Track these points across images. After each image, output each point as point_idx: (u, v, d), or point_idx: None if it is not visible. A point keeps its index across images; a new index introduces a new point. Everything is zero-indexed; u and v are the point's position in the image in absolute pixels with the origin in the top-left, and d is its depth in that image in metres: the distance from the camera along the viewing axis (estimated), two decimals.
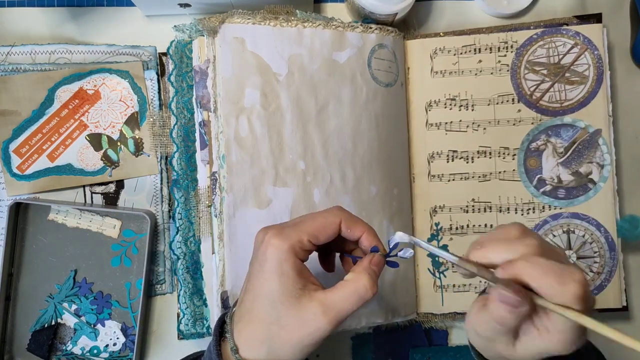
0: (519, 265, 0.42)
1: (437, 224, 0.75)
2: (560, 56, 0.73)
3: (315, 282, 0.51)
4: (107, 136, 0.75)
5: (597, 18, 0.75)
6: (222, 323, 0.54)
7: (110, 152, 0.75)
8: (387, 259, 0.52)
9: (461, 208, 0.74)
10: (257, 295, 0.50)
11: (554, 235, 0.73)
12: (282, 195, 0.66)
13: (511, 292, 0.42)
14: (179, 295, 0.72)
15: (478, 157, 0.74)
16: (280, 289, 0.48)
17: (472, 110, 0.74)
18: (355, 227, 0.52)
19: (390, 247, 0.52)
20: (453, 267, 0.47)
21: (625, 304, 0.73)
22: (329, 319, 0.48)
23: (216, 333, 0.53)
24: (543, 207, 0.73)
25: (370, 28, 0.70)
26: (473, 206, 0.74)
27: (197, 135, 0.70)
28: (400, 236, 0.50)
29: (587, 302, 0.42)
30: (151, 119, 0.74)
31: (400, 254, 0.51)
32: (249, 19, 0.65)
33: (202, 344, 0.75)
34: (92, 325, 0.74)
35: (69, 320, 0.74)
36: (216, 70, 0.66)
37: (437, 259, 0.74)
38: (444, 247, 0.74)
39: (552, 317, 0.43)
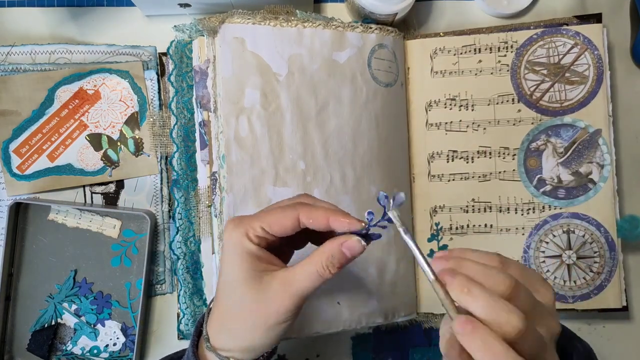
0: (476, 345, 0.40)
1: (437, 224, 0.75)
2: (560, 56, 0.73)
3: (279, 263, 0.50)
4: (107, 136, 0.75)
5: (597, 18, 0.75)
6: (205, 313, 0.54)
7: (110, 152, 0.75)
8: (366, 231, 0.49)
9: (461, 208, 0.74)
10: (220, 283, 0.50)
11: (554, 235, 0.73)
12: (282, 195, 0.65)
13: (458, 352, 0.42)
14: (179, 295, 0.72)
15: (478, 157, 0.74)
16: (237, 273, 0.48)
17: (472, 110, 0.74)
18: (317, 215, 0.49)
19: (368, 220, 0.48)
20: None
21: (625, 304, 0.73)
22: (288, 293, 0.47)
23: (197, 325, 0.54)
24: (543, 207, 0.73)
25: (370, 28, 0.70)
26: (473, 206, 0.74)
27: (197, 135, 0.70)
28: (402, 197, 0.48)
29: None
30: (151, 119, 0.74)
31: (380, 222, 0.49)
32: (249, 19, 0.65)
33: None
34: (92, 325, 0.74)
35: (69, 320, 0.74)
36: (216, 70, 0.66)
37: None
38: (444, 248, 0.74)
39: None
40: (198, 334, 0.54)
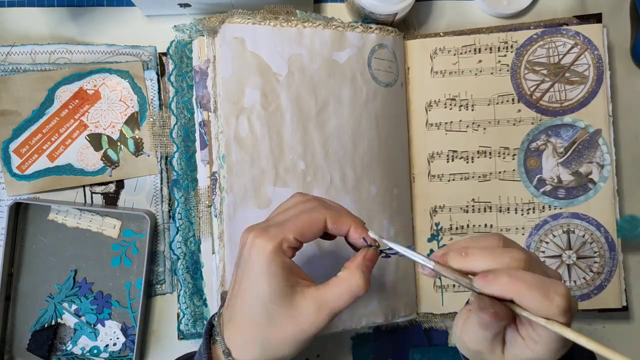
0: (503, 280, 0.42)
1: (437, 224, 0.75)
2: (560, 56, 0.73)
3: (306, 277, 0.51)
4: (107, 136, 0.75)
5: (597, 18, 0.75)
6: (211, 326, 0.53)
7: (110, 152, 0.75)
8: (385, 251, 0.52)
9: (461, 208, 0.74)
10: (247, 298, 0.50)
11: (554, 235, 0.73)
12: (282, 195, 0.65)
13: (489, 302, 0.43)
14: (179, 295, 0.72)
15: (478, 157, 0.74)
16: (270, 289, 0.48)
17: (472, 110, 0.74)
18: (341, 222, 0.51)
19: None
20: (422, 268, 0.46)
21: (625, 304, 0.73)
22: (323, 316, 0.48)
23: (206, 336, 0.53)
24: (543, 207, 0.73)
25: (370, 28, 0.70)
26: (473, 206, 0.74)
27: (197, 135, 0.70)
28: (371, 234, 0.51)
29: (571, 313, 0.42)
30: (151, 119, 0.74)
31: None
32: (249, 19, 0.65)
33: None
34: (92, 325, 0.74)
35: (69, 320, 0.74)
36: (216, 70, 0.66)
37: None
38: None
39: (537, 328, 0.43)
40: (208, 341, 0.53)
